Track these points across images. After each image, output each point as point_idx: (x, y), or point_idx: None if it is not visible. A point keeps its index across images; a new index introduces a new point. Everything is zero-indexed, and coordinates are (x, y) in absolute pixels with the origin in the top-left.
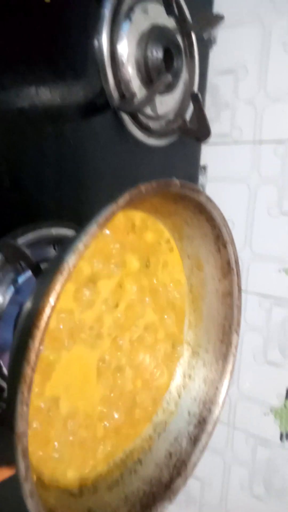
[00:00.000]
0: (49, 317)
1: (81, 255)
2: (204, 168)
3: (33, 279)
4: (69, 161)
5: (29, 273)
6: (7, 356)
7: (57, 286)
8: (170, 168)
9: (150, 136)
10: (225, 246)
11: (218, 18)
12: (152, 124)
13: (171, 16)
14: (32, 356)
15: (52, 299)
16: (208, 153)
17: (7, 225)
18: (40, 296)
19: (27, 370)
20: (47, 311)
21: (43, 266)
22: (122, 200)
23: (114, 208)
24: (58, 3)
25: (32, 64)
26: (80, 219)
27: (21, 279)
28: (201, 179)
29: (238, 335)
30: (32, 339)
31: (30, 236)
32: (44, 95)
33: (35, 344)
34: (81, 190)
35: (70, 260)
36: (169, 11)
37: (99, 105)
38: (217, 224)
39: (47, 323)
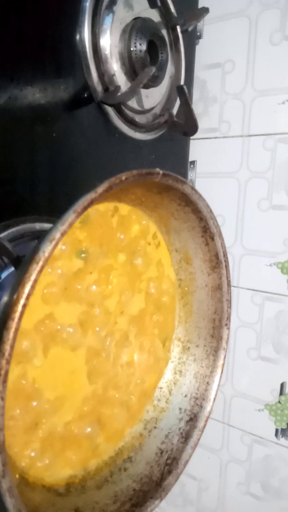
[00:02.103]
0: (24, 307)
1: (57, 244)
2: (193, 163)
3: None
4: (53, 153)
5: (12, 268)
6: None
7: (33, 276)
8: (158, 163)
9: (136, 131)
10: (212, 239)
11: (203, 11)
12: (138, 118)
13: (155, 9)
14: (6, 348)
15: (27, 289)
16: (197, 149)
17: None
18: (16, 287)
19: (2, 363)
20: (22, 301)
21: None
22: (101, 188)
23: (93, 196)
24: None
25: (13, 61)
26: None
27: (4, 275)
28: (190, 174)
29: (228, 329)
30: (6, 330)
31: (13, 230)
32: (28, 91)
33: (10, 335)
34: (67, 185)
35: (46, 250)
36: (152, 3)
37: (83, 99)
38: (204, 216)
39: (22, 313)
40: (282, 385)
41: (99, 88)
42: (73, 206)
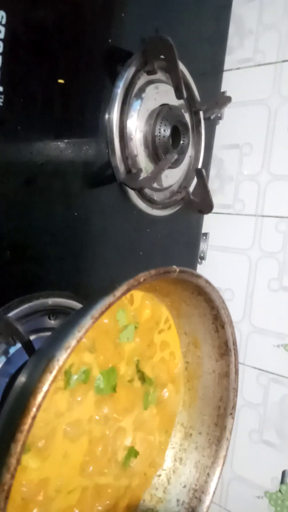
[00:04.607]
0: (34, 419)
1: (73, 350)
2: (206, 235)
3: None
4: (72, 231)
5: (19, 344)
6: None
7: (45, 387)
8: (172, 235)
9: (154, 207)
10: (223, 327)
11: (226, 100)
12: (156, 196)
13: (180, 99)
14: (13, 461)
15: (38, 400)
16: (210, 221)
17: (4, 296)
18: (27, 394)
19: (6, 477)
20: (32, 413)
21: (33, 337)
22: (119, 291)
23: (111, 300)
24: (74, 84)
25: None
26: (78, 288)
27: (12, 350)
28: (202, 246)
29: (233, 419)
30: (14, 443)
31: (26, 306)
32: (50, 168)
33: (18, 448)
34: (82, 260)
35: (61, 358)
36: (178, 95)
37: (105, 178)
38: (216, 306)
39: (31, 425)
40: (283, 474)
41: (121, 168)
42: (90, 310)
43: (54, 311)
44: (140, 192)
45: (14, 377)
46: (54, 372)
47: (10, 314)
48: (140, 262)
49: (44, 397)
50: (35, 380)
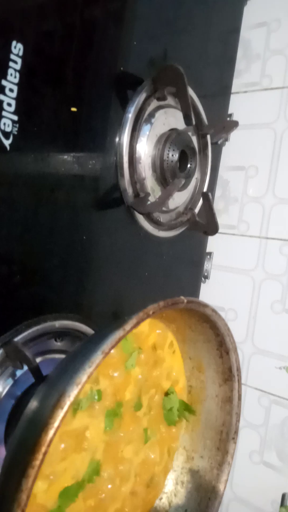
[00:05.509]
0: (45, 455)
1: (83, 386)
2: (210, 254)
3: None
4: (80, 254)
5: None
6: None
7: (56, 423)
8: (176, 255)
9: (160, 229)
10: (227, 353)
11: (233, 124)
12: (163, 217)
13: (189, 125)
14: (23, 497)
15: (49, 436)
16: (215, 241)
17: (13, 320)
18: (38, 429)
19: None
20: (43, 449)
21: (40, 359)
22: (129, 325)
23: (121, 334)
24: (86, 111)
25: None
26: (85, 309)
27: (19, 373)
28: (206, 265)
29: (235, 443)
30: (25, 478)
31: (34, 329)
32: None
33: (29, 484)
34: (89, 282)
35: (72, 394)
36: (188, 122)
37: (113, 200)
38: (221, 333)
39: (42, 461)
40: (283, 496)
41: (130, 191)
42: (101, 345)
43: (60, 334)
44: (147, 215)
45: (20, 400)
46: (65, 408)
47: (18, 338)
48: (146, 282)
49: (55, 433)
50: (46, 415)
